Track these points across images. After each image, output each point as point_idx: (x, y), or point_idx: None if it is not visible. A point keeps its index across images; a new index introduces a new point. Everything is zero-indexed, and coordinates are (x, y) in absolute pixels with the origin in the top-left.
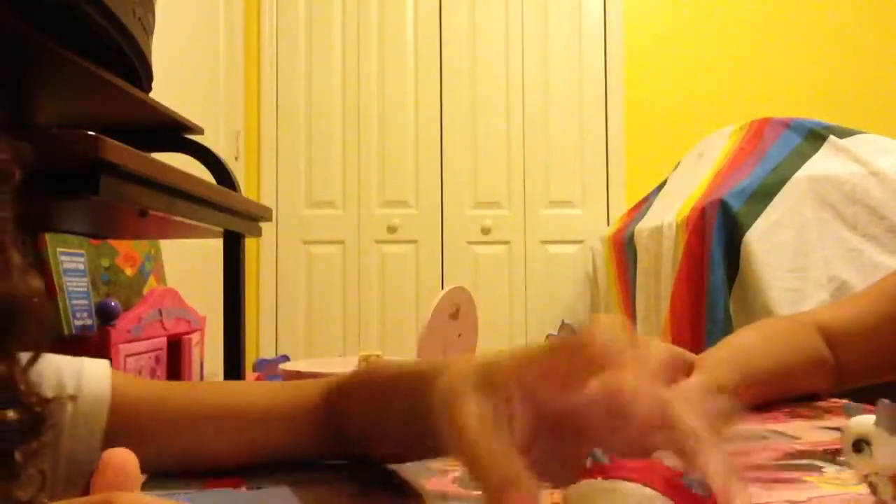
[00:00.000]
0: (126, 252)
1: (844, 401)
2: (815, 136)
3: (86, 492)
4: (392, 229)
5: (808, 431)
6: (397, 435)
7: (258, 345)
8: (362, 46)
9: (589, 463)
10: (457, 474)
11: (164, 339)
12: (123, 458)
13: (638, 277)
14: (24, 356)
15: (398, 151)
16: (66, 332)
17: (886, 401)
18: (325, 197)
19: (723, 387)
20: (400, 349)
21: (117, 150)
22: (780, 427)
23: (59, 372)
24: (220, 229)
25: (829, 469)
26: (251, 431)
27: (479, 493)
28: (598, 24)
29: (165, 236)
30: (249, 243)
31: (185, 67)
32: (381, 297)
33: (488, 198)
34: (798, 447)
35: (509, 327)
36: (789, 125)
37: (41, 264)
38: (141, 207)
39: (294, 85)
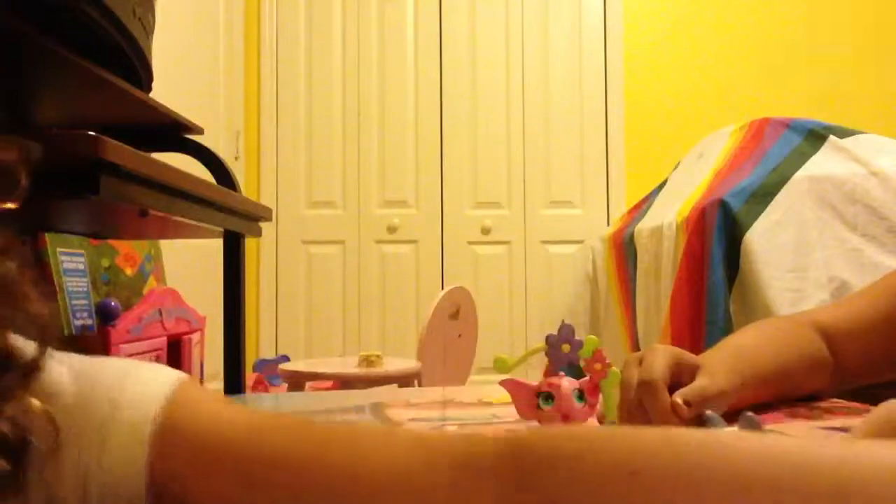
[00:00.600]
0: (126, 252)
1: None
2: (815, 136)
3: None
4: (392, 229)
5: (808, 431)
6: None
7: (258, 345)
8: (362, 46)
9: None
10: None
11: (164, 339)
12: None
13: (638, 277)
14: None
15: (398, 151)
16: (66, 332)
17: (749, 413)
18: (325, 197)
19: (724, 389)
20: (400, 349)
21: (117, 150)
22: (780, 427)
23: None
24: (220, 229)
25: None
26: None
27: None
28: (598, 24)
29: (165, 236)
30: (249, 243)
31: (185, 67)
32: (381, 297)
33: (488, 198)
34: None
35: (509, 327)
36: (789, 125)
37: (41, 264)
38: (141, 207)
39: (294, 85)
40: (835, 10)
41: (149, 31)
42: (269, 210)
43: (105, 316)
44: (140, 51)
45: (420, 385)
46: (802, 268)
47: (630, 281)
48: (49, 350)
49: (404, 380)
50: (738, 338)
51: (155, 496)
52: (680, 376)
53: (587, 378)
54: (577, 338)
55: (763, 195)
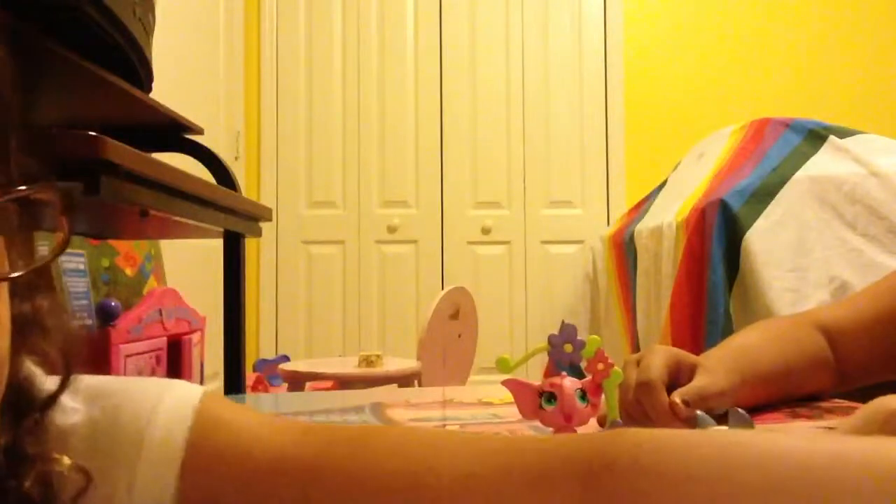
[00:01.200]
0: (126, 252)
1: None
2: (815, 136)
3: None
4: (392, 229)
5: (807, 432)
6: None
7: (258, 345)
8: (362, 46)
9: None
10: None
11: (164, 339)
12: None
13: (638, 277)
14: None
15: (398, 151)
16: None
17: (740, 410)
18: (325, 197)
19: (723, 389)
20: (400, 349)
21: (117, 150)
22: (780, 427)
23: (131, 404)
24: (220, 229)
25: None
26: None
27: None
28: (598, 24)
29: (165, 236)
30: (249, 243)
31: (185, 67)
32: (381, 297)
33: (488, 198)
34: None
35: (509, 327)
36: (789, 125)
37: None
38: (141, 207)
39: (294, 85)
40: (835, 10)
41: (149, 31)
42: (269, 210)
43: (105, 316)
44: (140, 51)
45: (420, 385)
46: (802, 268)
47: (630, 281)
48: (69, 380)
49: (404, 380)
50: (739, 338)
51: None
52: (679, 376)
53: (589, 378)
54: (579, 338)
55: (763, 195)
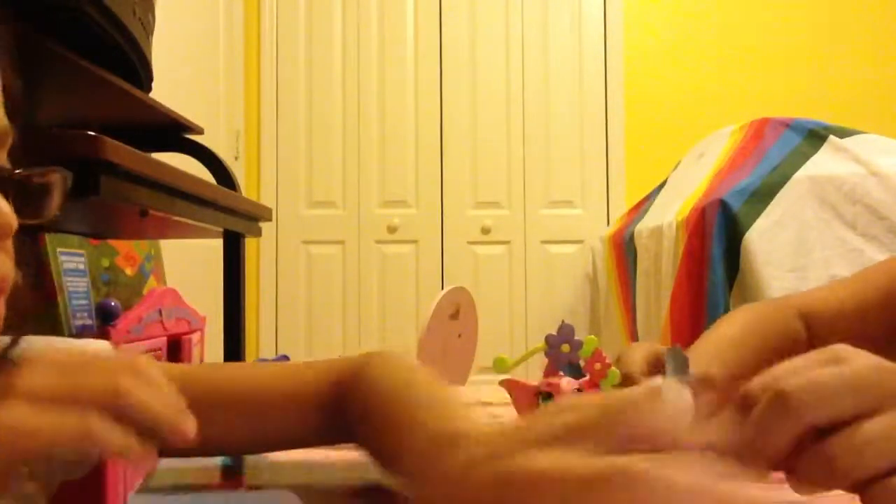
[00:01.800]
0: (126, 252)
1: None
2: (815, 136)
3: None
4: (392, 229)
5: None
6: (375, 454)
7: (258, 345)
8: (362, 46)
9: None
10: None
11: (164, 339)
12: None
13: (638, 277)
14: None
15: (398, 151)
16: (66, 332)
17: (678, 346)
18: (325, 197)
19: (710, 382)
20: (400, 349)
21: (117, 150)
22: None
23: (67, 348)
24: (220, 229)
25: None
26: (268, 417)
27: None
28: (598, 24)
29: (165, 236)
30: (249, 243)
31: (185, 67)
32: (381, 297)
33: (488, 198)
34: None
35: (509, 327)
36: (789, 125)
37: (41, 264)
38: (141, 207)
39: (294, 85)
40: (835, 10)
41: (149, 31)
42: (269, 210)
43: (105, 316)
44: (140, 51)
45: None
46: (802, 268)
47: (630, 281)
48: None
49: None
50: (721, 328)
51: None
52: (659, 370)
53: (587, 378)
54: (576, 338)
55: (763, 195)
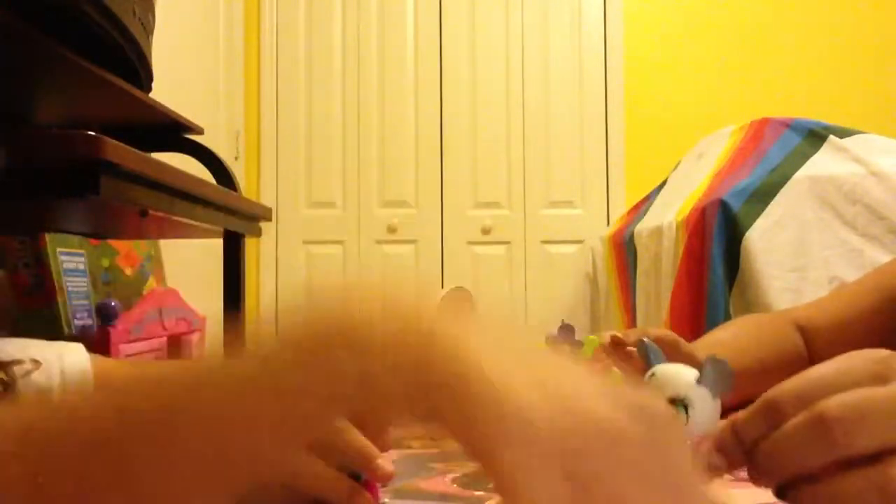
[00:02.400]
0: (126, 252)
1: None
2: (815, 136)
3: None
4: (392, 229)
5: None
6: None
7: None
8: (362, 46)
9: None
10: (456, 475)
11: (164, 339)
12: None
13: (638, 277)
14: None
15: (398, 151)
16: (66, 332)
17: (717, 355)
18: (325, 197)
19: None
20: None
21: (117, 150)
22: None
23: (41, 350)
24: (220, 229)
25: None
26: None
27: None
28: (598, 24)
29: (165, 236)
30: (249, 243)
31: (185, 67)
32: None
33: (488, 198)
34: None
35: None
36: (789, 125)
37: (41, 264)
38: (141, 207)
39: (294, 85)
40: (835, 10)
41: (149, 31)
42: (269, 210)
43: (105, 316)
44: (140, 51)
45: None
46: (802, 268)
47: (630, 281)
48: None
49: None
50: (720, 333)
51: None
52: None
53: None
54: (576, 338)
55: (763, 195)
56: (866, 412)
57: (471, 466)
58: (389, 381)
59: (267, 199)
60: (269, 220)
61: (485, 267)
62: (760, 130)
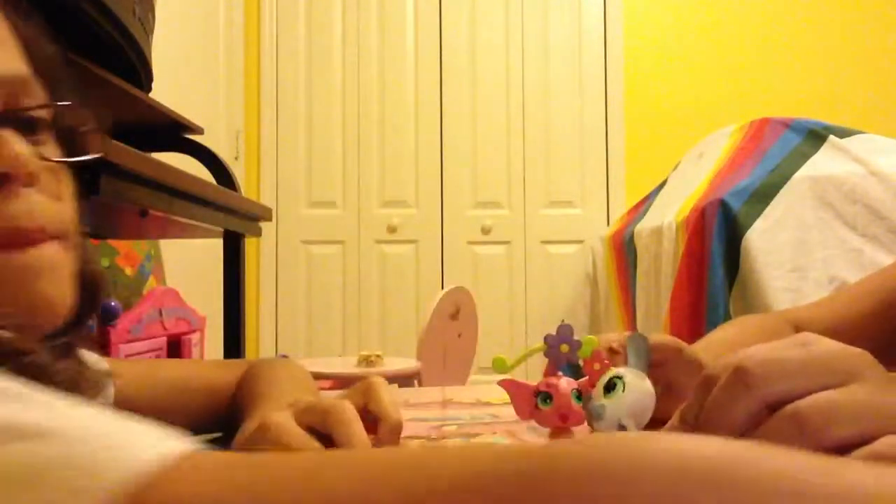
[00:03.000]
0: (126, 252)
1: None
2: (815, 136)
3: None
4: (392, 229)
5: None
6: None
7: (258, 345)
8: (362, 46)
9: None
10: None
11: (164, 339)
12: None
13: (638, 277)
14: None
15: (398, 151)
16: None
17: (637, 332)
18: (325, 197)
19: (667, 348)
20: (400, 349)
21: (117, 150)
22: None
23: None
24: (220, 229)
25: None
26: (197, 402)
27: None
28: (598, 24)
29: (165, 236)
30: (249, 243)
31: (185, 67)
32: (381, 297)
33: (488, 198)
34: None
35: (509, 327)
36: (789, 125)
37: None
38: (141, 207)
39: (294, 85)
40: (835, 10)
41: (149, 31)
42: (269, 210)
43: (105, 316)
44: (140, 51)
45: (420, 385)
46: (802, 268)
47: (630, 281)
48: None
49: (404, 380)
50: (721, 332)
51: None
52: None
53: (586, 378)
54: (575, 338)
55: (763, 195)
56: (782, 361)
57: None
58: None
59: (267, 199)
60: (269, 220)
61: (485, 267)
62: (760, 130)
